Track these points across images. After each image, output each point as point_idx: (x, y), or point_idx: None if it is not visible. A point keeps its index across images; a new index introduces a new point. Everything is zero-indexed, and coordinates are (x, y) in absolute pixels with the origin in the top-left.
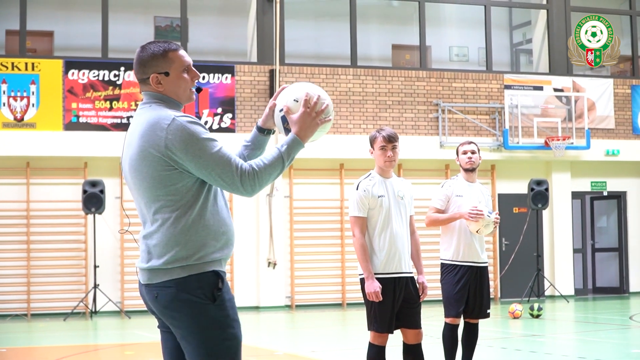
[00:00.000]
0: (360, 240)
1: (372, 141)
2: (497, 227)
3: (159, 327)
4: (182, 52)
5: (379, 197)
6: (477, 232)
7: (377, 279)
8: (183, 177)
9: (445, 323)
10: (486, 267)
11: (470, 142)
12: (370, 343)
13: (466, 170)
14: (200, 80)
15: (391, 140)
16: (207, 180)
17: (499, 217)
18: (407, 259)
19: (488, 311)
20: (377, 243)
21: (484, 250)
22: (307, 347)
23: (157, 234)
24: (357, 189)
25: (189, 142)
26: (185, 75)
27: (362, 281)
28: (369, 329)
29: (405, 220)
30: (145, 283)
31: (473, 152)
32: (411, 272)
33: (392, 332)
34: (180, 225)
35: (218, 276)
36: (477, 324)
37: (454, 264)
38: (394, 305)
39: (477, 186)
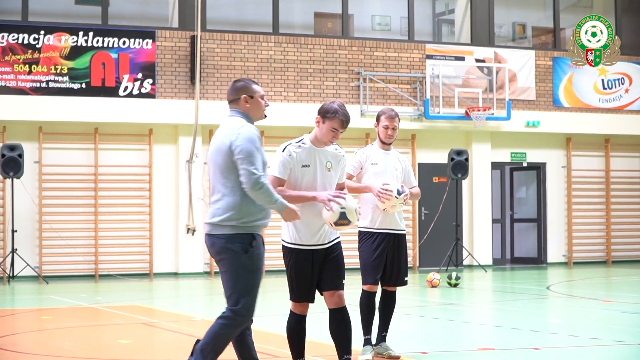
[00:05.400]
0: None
1: (324, 114)
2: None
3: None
4: None
5: (302, 166)
6: (384, 210)
7: (298, 250)
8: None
9: (363, 290)
10: (404, 234)
11: (394, 117)
12: (290, 311)
13: (382, 142)
14: (120, 45)
15: (345, 126)
16: None
17: (408, 195)
18: (329, 229)
19: (405, 279)
20: (301, 215)
21: (402, 219)
22: None
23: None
24: (282, 150)
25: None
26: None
27: (284, 249)
28: (290, 299)
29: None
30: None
31: (394, 129)
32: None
33: (312, 302)
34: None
35: (253, 237)
36: (394, 292)
37: (372, 232)
38: (312, 274)
39: (393, 153)
